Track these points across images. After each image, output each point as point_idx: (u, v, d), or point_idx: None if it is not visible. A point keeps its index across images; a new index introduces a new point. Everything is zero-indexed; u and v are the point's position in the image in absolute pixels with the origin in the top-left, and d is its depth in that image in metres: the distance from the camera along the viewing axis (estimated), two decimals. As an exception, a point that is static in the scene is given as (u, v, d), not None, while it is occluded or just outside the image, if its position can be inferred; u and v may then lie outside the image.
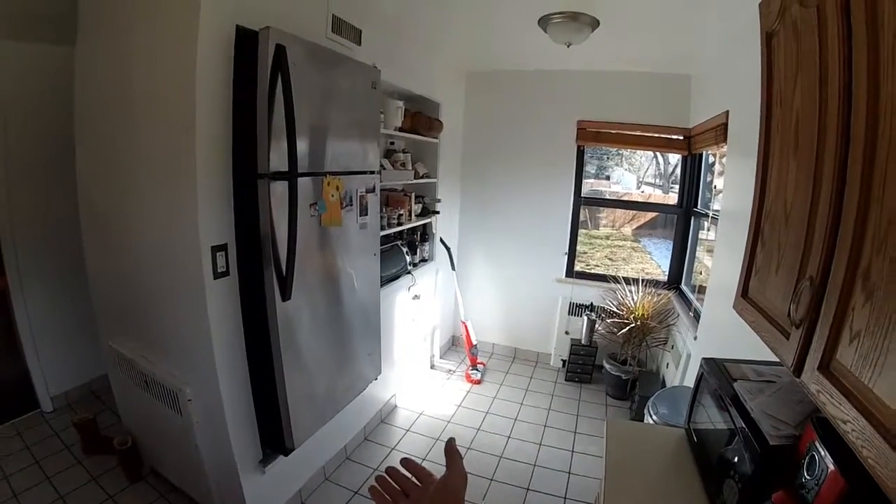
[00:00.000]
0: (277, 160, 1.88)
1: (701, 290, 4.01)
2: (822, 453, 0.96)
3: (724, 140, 2.83)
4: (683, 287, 4.11)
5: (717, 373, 1.49)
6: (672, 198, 9.18)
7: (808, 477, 1.00)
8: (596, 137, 4.06)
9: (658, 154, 10.28)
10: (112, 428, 2.90)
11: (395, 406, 3.54)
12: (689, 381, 3.08)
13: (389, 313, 3.21)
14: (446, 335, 4.58)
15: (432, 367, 4.17)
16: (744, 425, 1.21)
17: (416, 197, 3.68)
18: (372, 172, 2.61)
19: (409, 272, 3.52)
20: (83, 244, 2.51)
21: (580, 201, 4.33)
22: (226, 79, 1.84)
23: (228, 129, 1.89)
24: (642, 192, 11.62)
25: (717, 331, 2.84)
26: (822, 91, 1.00)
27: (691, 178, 3.99)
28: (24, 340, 3.04)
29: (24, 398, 3.11)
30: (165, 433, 2.36)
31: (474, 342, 4.07)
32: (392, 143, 3.55)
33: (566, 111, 4.06)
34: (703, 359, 1.60)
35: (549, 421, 3.52)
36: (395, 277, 3.36)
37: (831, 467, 0.92)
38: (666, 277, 4.34)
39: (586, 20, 2.64)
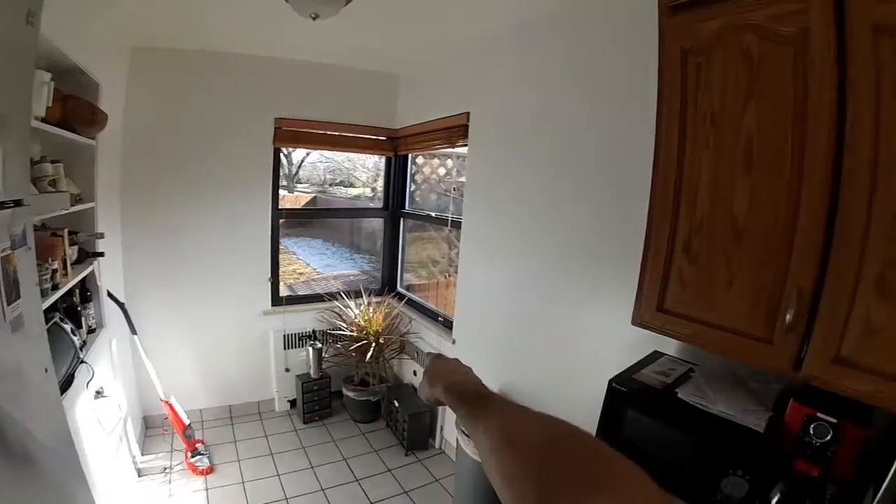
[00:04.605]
0: None
1: (412, 288, 4.37)
2: (827, 419, 1.26)
3: (462, 138, 3.14)
4: (404, 291, 4.35)
5: (644, 389, 1.65)
6: (301, 198, 9.59)
7: (818, 439, 1.26)
8: (296, 138, 3.80)
9: (282, 154, 10.49)
10: None
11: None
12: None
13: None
14: (137, 421, 3.49)
15: (140, 474, 3.12)
16: (723, 426, 1.43)
17: (69, 234, 2.61)
18: (18, 203, 1.54)
19: (83, 361, 2.50)
20: None
21: (279, 214, 3.98)
22: None
23: None
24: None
25: (478, 332, 3.19)
26: (797, 125, 1.23)
27: (396, 180, 4.21)
28: None
29: None
30: None
31: (186, 422, 3.24)
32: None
33: (263, 106, 3.62)
34: (612, 381, 1.73)
35: (322, 482, 3.19)
36: (68, 380, 2.32)
37: (844, 425, 1.23)
38: (365, 281, 4.50)
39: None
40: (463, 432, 2.51)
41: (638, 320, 1.70)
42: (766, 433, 1.36)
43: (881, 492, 1.03)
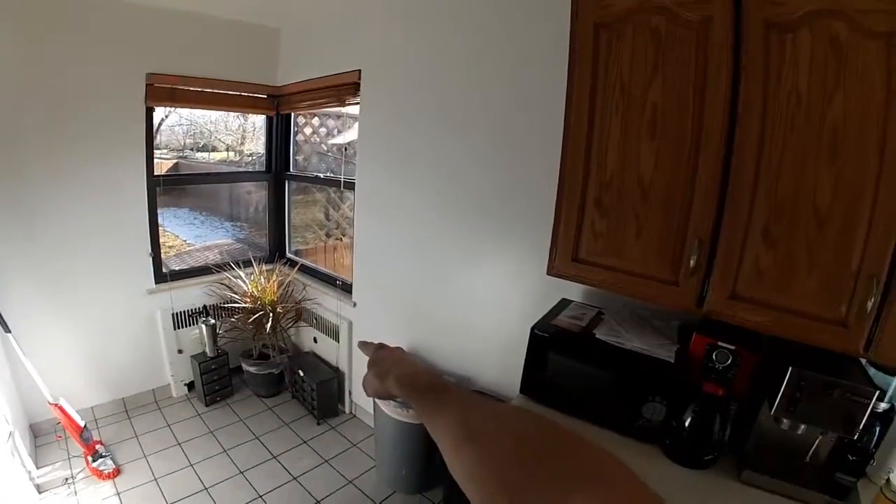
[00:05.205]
0: None
1: (300, 253, 4.30)
2: (726, 346, 1.54)
3: (352, 96, 3.10)
4: (294, 256, 4.25)
5: (563, 333, 1.84)
6: (162, 164, 8.77)
7: (720, 364, 1.54)
8: (171, 96, 3.42)
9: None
10: None
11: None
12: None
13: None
14: (24, 431, 3.05)
15: (40, 490, 2.76)
16: (639, 360, 1.65)
17: None
18: None
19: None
20: None
21: (156, 182, 3.62)
22: None
23: None
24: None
25: (381, 293, 3.26)
26: (697, 99, 1.42)
27: (279, 141, 4.02)
28: None
29: None
30: None
31: (82, 423, 2.93)
32: None
33: (133, 61, 3.19)
34: (534, 328, 1.87)
35: (239, 465, 3.09)
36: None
37: (741, 351, 1.52)
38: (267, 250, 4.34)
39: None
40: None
41: (553, 270, 1.84)
42: (677, 363, 1.60)
43: (776, 402, 1.31)
